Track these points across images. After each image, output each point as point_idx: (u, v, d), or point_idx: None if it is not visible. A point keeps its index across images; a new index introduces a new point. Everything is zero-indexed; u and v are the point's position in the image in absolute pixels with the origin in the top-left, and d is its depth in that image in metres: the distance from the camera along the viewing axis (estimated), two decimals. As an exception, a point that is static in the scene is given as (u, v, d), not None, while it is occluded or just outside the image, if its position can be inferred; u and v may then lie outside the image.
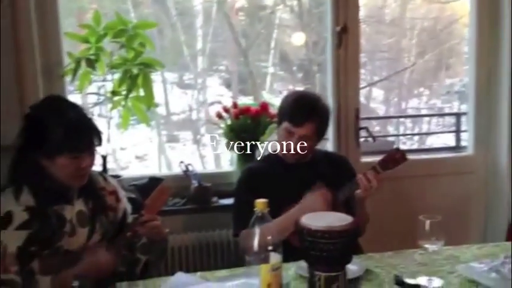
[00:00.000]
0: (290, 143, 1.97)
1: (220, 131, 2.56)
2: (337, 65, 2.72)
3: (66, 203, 1.64)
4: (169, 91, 4.04)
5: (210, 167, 3.66)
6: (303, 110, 1.97)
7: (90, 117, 1.68)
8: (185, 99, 4.07)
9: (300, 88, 3.73)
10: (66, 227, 1.62)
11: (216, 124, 2.58)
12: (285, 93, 2.51)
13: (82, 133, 1.60)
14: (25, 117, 1.65)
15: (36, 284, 1.52)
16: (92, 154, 1.65)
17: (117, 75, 2.26)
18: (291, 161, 2.03)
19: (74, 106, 1.66)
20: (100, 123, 1.73)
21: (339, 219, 1.41)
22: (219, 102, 3.56)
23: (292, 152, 1.98)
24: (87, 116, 1.67)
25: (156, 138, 3.91)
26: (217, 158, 3.69)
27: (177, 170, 2.60)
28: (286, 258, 1.34)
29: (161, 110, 3.80)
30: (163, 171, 2.67)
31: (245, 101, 3.25)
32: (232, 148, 2.49)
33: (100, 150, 1.84)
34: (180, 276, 1.62)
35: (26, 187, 1.58)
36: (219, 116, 2.51)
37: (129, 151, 3.86)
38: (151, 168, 3.93)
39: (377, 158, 1.98)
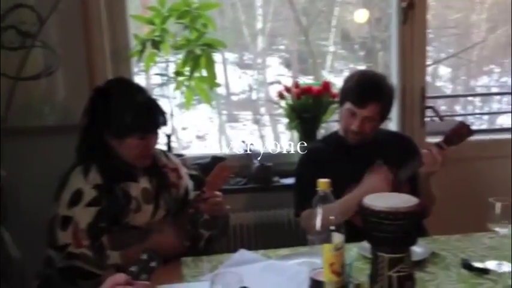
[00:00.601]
0: (352, 124, 1.94)
1: (281, 111, 2.56)
2: (402, 42, 2.63)
3: (132, 180, 1.71)
4: (229, 71, 4.07)
5: (270, 147, 3.68)
6: (367, 90, 1.92)
7: (154, 99, 1.73)
8: (245, 79, 4.08)
9: (361, 67, 3.64)
10: (132, 203, 1.69)
11: (276, 104, 2.58)
12: (346, 72, 2.47)
13: (150, 115, 1.66)
14: (91, 98, 1.72)
15: (106, 258, 1.59)
16: (157, 135, 1.71)
17: (180, 56, 2.31)
18: (352, 142, 2.00)
19: (140, 88, 1.72)
20: (163, 104, 1.79)
21: (403, 200, 1.38)
22: (279, 82, 3.55)
23: (354, 132, 1.95)
24: (152, 97, 1.73)
25: (216, 118, 3.96)
26: (277, 137, 3.70)
27: (238, 149, 2.63)
28: (348, 239, 1.33)
29: (221, 90, 3.84)
30: (224, 151, 2.71)
31: (305, 80, 3.22)
32: (293, 128, 2.49)
33: (164, 130, 1.90)
34: (243, 254, 1.66)
35: (94, 166, 1.66)
36: (281, 95, 2.51)
37: (190, 131, 3.94)
38: (211, 147, 4.00)
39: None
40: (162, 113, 1.71)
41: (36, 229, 1.78)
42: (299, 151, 2.37)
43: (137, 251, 1.20)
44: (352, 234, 1.44)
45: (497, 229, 1.49)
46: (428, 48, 2.93)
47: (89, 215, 1.60)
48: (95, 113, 1.69)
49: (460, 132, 1.84)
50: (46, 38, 2.22)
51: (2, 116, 2.09)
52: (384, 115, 1.99)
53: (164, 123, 1.72)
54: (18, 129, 2.26)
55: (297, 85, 2.50)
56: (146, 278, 1.16)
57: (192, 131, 3.92)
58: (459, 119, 3.40)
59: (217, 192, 1.71)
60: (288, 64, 4.31)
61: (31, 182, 2.21)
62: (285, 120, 2.57)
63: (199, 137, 4.16)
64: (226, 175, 1.76)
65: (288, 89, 2.49)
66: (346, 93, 1.98)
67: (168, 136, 2.38)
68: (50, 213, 1.63)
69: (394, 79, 2.65)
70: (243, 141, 2.59)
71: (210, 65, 2.27)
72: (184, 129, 3.79)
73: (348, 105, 1.94)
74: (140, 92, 1.70)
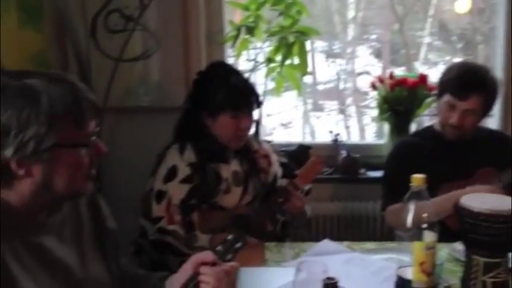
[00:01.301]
0: (451, 118, 1.85)
1: (368, 102, 2.50)
2: (509, 34, 2.45)
3: (223, 162, 1.76)
4: (317, 60, 4.03)
5: (354, 138, 3.62)
6: (468, 81, 1.82)
7: (250, 81, 1.78)
8: (333, 68, 4.02)
9: (459, 60, 3.44)
10: (222, 184, 1.74)
11: (365, 94, 2.52)
12: (440, 65, 2.35)
13: (243, 93, 1.71)
14: (193, 82, 1.81)
15: (195, 239, 1.66)
16: (250, 116, 1.74)
17: (273, 43, 2.31)
18: (450, 138, 1.90)
19: (236, 71, 1.78)
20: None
21: (504, 203, 1.30)
22: (368, 73, 3.47)
23: (453, 127, 1.86)
24: (248, 79, 1.77)
25: (301, 106, 3.95)
26: (362, 129, 3.62)
27: (322, 138, 2.61)
28: (439, 239, 1.28)
29: (307, 79, 3.82)
30: (307, 140, 2.70)
31: (396, 71, 3.11)
32: (384, 120, 2.42)
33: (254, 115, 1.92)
34: (326, 244, 1.66)
35: (190, 145, 1.73)
36: (373, 86, 2.44)
37: (274, 118, 3.96)
38: (295, 135, 4.01)
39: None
40: (256, 94, 1.75)
41: (130, 201, 1.90)
42: (389, 144, 2.30)
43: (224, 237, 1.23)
44: (443, 235, 1.38)
45: None
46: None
47: (182, 191, 1.68)
48: (195, 94, 1.76)
49: None
50: (146, 22, 2.32)
51: (104, 95, 2.22)
52: (486, 109, 1.88)
53: (258, 104, 1.76)
54: (117, 109, 2.39)
55: (391, 76, 2.42)
56: (231, 258, 1.18)
57: (277, 118, 3.93)
58: None
59: (300, 194, 1.72)
60: (378, 54, 4.18)
61: (126, 157, 2.34)
62: (372, 112, 2.51)
63: (283, 125, 4.17)
64: (319, 169, 1.76)
65: (381, 80, 2.42)
66: (445, 85, 1.88)
67: (257, 122, 2.40)
68: (146, 186, 1.73)
69: (497, 73, 2.48)
70: (331, 131, 2.56)
71: (303, 52, 2.26)
72: (268, 116, 3.82)
73: (447, 97, 1.85)
74: (236, 73, 1.76)
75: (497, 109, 2.48)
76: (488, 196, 1.41)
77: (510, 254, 1.30)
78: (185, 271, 1.15)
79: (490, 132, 2.05)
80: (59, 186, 1.00)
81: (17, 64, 1.90)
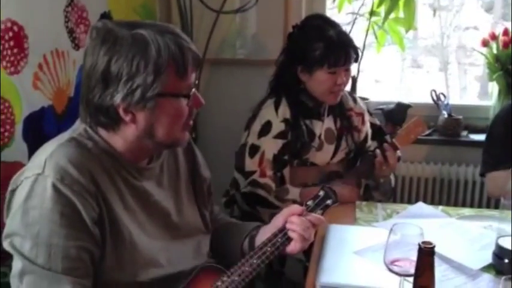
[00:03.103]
0: None
1: (472, 60, 2.32)
2: None
3: (317, 119, 1.75)
4: (420, 13, 3.79)
5: (455, 98, 3.41)
6: None
7: (348, 34, 1.71)
8: (437, 22, 3.76)
9: None
10: (315, 141, 1.73)
11: (473, 49, 2.34)
12: None
13: (341, 49, 1.65)
14: (288, 35, 1.77)
15: (286, 192, 1.68)
16: (347, 71, 1.69)
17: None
18: None
19: (333, 24, 1.71)
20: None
21: None
22: (476, 28, 3.20)
23: None
24: (346, 32, 1.70)
25: (399, 62, 3.76)
26: (464, 89, 3.39)
27: (420, 97, 2.48)
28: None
29: (408, 34, 3.62)
30: (404, 98, 2.57)
31: (508, 27, 2.85)
32: (494, 80, 2.24)
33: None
34: (420, 206, 1.61)
35: (285, 100, 1.72)
36: (484, 43, 2.26)
37: (370, 74, 3.83)
38: (391, 93, 3.85)
39: None
40: (354, 48, 1.68)
41: (223, 153, 1.97)
42: (497, 106, 2.15)
43: (315, 191, 1.23)
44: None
45: None
46: None
47: (275, 146, 1.68)
48: (290, 49, 1.74)
49: None
50: (247, -25, 2.31)
51: (204, 47, 2.26)
52: None
53: (356, 59, 1.70)
54: (214, 60, 2.44)
55: (506, 32, 2.22)
56: (320, 213, 1.20)
57: (373, 75, 3.81)
58: None
59: (395, 156, 1.65)
60: (488, 8, 3.84)
61: (221, 109, 2.41)
62: (476, 71, 2.33)
63: (377, 81, 4.02)
64: (419, 131, 1.68)
65: (494, 36, 2.23)
66: None
67: (354, 78, 2.34)
68: (241, 139, 1.76)
69: None
70: (433, 90, 2.42)
71: (409, 5, 2.13)
72: (364, 72, 3.71)
73: None
74: (334, 26, 1.69)
75: None
76: None
77: None
78: (276, 222, 1.18)
79: None
80: (159, 134, 1.04)
81: (124, 15, 2.00)
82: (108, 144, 1.05)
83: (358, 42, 2.31)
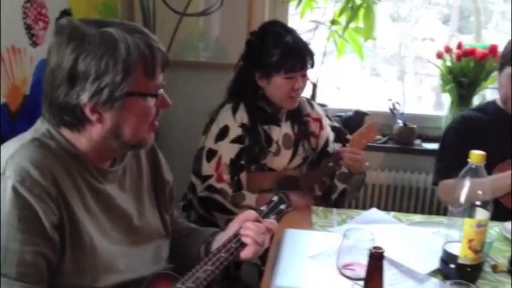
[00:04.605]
0: None
1: (429, 71, 2.41)
2: None
3: (275, 124, 1.77)
4: (380, 23, 3.88)
5: (411, 107, 3.52)
6: None
7: (304, 40, 1.74)
8: (396, 32, 3.87)
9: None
10: (272, 146, 1.75)
11: (428, 61, 2.43)
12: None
13: (297, 54, 1.68)
14: (247, 42, 1.79)
15: (242, 198, 1.69)
16: (304, 76, 1.72)
17: (338, 4, 2.26)
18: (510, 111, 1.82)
19: (290, 30, 1.74)
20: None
21: None
22: (432, 40, 3.32)
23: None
24: (302, 39, 1.73)
25: (358, 71, 3.85)
26: (420, 99, 3.51)
27: (379, 105, 2.55)
28: (491, 216, 1.26)
29: (368, 42, 3.71)
30: (363, 105, 2.65)
31: (463, 39, 2.96)
32: (446, 91, 2.33)
33: (310, 78, 1.90)
34: (374, 212, 1.65)
35: (243, 105, 1.73)
36: (439, 55, 2.35)
37: (329, 81, 3.89)
38: (351, 100, 3.93)
39: None
40: (310, 54, 1.71)
41: (183, 156, 1.96)
42: (449, 117, 2.23)
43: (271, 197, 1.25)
44: (496, 213, 1.35)
45: None
46: None
47: (232, 150, 1.70)
48: (249, 55, 1.75)
49: None
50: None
51: (166, 49, 2.25)
52: None
53: (312, 65, 1.73)
54: (176, 62, 2.42)
55: (459, 46, 2.31)
56: (274, 219, 1.21)
57: (333, 82, 3.87)
58: None
59: (359, 150, 1.70)
60: (445, 20, 3.98)
61: (182, 111, 2.40)
62: (432, 81, 2.42)
63: (338, 88, 4.09)
64: (372, 136, 1.73)
65: (448, 49, 2.32)
66: (506, 57, 1.78)
67: (314, 85, 2.39)
68: (199, 143, 1.76)
69: None
70: (389, 99, 2.50)
71: (369, 16, 2.19)
72: (325, 79, 3.77)
73: (508, 69, 1.76)
74: (290, 33, 1.72)
75: None
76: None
77: None
78: (231, 228, 1.19)
79: None
80: (126, 134, 1.03)
81: (84, 13, 1.96)
82: (71, 145, 1.03)
83: (319, 49, 2.37)
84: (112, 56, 0.96)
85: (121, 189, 1.13)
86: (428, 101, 3.15)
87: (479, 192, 1.21)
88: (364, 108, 2.52)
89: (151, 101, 1.04)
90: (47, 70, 1.01)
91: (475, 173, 1.22)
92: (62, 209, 0.98)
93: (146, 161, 1.22)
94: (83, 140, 1.03)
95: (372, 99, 3.35)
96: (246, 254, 1.16)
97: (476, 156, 1.22)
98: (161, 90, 1.07)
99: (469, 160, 1.23)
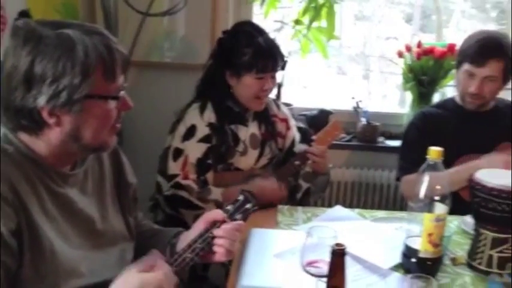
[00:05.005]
0: (470, 86, 1.81)
1: (393, 69, 2.46)
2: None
3: (242, 124, 1.78)
4: (345, 22, 3.93)
5: (376, 105, 3.58)
6: (486, 47, 1.79)
7: (276, 41, 1.75)
8: (361, 31, 3.93)
9: (491, 28, 3.33)
10: (240, 146, 1.76)
11: (390, 61, 2.48)
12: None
13: (269, 55, 1.70)
14: (218, 40, 1.79)
15: (208, 192, 1.69)
16: (274, 77, 1.74)
17: (302, 4, 2.28)
18: (470, 108, 1.88)
19: (262, 31, 1.75)
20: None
21: (519, 180, 1.31)
22: (396, 38, 3.38)
23: (472, 96, 1.83)
24: (274, 40, 1.74)
25: (325, 69, 3.89)
26: (385, 97, 3.57)
27: (344, 103, 2.59)
28: (451, 209, 1.29)
29: (333, 42, 3.76)
30: (330, 104, 2.68)
31: (425, 38, 3.03)
32: (408, 89, 2.39)
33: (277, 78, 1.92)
34: (338, 209, 1.67)
35: (210, 105, 1.73)
36: (400, 54, 2.40)
37: (296, 80, 3.92)
38: (317, 99, 3.97)
39: None
40: (281, 55, 1.73)
41: (150, 157, 1.94)
42: (411, 114, 2.28)
43: (238, 191, 1.25)
44: (456, 206, 1.39)
45: None
46: None
47: (199, 150, 1.70)
48: (219, 53, 1.76)
49: None
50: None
51: (129, 49, 2.23)
52: (506, 76, 1.83)
53: (282, 66, 1.75)
54: (141, 63, 2.41)
55: (419, 45, 2.37)
56: (241, 218, 1.21)
57: (299, 81, 3.90)
58: None
59: (324, 149, 1.72)
60: (408, 19, 4.07)
61: (148, 113, 2.38)
62: (396, 80, 2.47)
63: (305, 87, 4.13)
64: (336, 133, 1.76)
65: (408, 48, 2.37)
66: (463, 54, 1.84)
67: (279, 85, 2.40)
68: (165, 143, 1.75)
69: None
70: (353, 98, 2.54)
71: (331, 16, 2.22)
72: (291, 78, 3.79)
73: (465, 66, 1.82)
74: (262, 33, 1.73)
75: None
76: (504, 172, 1.41)
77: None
78: (197, 227, 1.19)
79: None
80: (86, 138, 1.02)
81: (43, 14, 1.92)
82: (29, 150, 1.01)
83: (284, 48, 2.38)
84: (69, 58, 0.95)
85: (82, 193, 1.11)
86: (393, 98, 3.21)
87: (438, 187, 1.24)
88: (329, 106, 2.55)
89: (111, 104, 1.03)
90: (2, 73, 0.98)
91: (433, 168, 1.25)
92: (20, 214, 0.96)
93: (109, 163, 1.21)
94: (41, 144, 1.01)
95: (338, 98, 3.40)
96: (217, 259, 1.17)
97: (434, 152, 1.26)
98: (122, 92, 1.05)
99: (427, 156, 1.26)
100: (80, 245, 1.08)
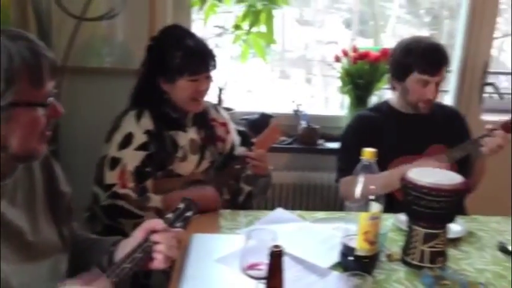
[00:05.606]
0: (427, 94, 1.89)
1: (334, 73, 2.53)
2: (471, 11, 2.51)
3: (181, 130, 1.76)
4: (287, 27, 4.00)
5: (319, 108, 3.66)
6: (437, 57, 1.87)
7: (206, 42, 1.75)
8: (302, 36, 4.01)
9: (425, 33, 3.49)
10: (179, 152, 1.74)
11: (330, 65, 2.55)
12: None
13: (199, 56, 1.69)
14: (147, 47, 1.76)
15: (147, 200, 1.65)
16: (208, 78, 1.73)
17: (241, 9, 2.30)
18: (425, 111, 1.94)
19: (190, 33, 1.75)
20: (217, 55, 1.78)
21: (448, 178, 1.38)
22: (336, 43, 3.48)
23: (429, 101, 1.91)
24: (203, 40, 1.74)
25: (268, 73, 3.94)
26: (327, 100, 3.66)
27: (287, 107, 2.63)
28: (387, 209, 1.34)
29: (276, 46, 3.81)
30: (272, 108, 2.72)
31: (364, 43, 3.14)
32: (345, 93, 2.45)
33: (216, 81, 1.92)
34: (279, 212, 1.69)
35: (147, 112, 1.71)
36: (337, 58, 2.47)
37: (240, 84, 3.95)
38: (260, 103, 4.01)
39: (500, 117, 1.85)
40: (212, 56, 1.73)
41: (88, 166, 1.89)
42: (349, 116, 2.35)
43: (177, 197, 1.24)
44: (391, 205, 1.45)
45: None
46: (499, 19, 2.77)
47: (137, 158, 1.66)
48: (150, 60, 1.73)
49: None
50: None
51: (64, 54, 2.16)
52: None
53: (214, 66, 1.74)
54: (78, 69, 2.34)
55: (355, 49, 2.44)
56: (181, 226, 1.20)
57: (243, 85, 3.93)
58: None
59: (264, 152, 1.74)
60: (348, 24, 4.19)
61: (86, 120, 2.32)
62: (338, 83, 2.54)
63: (249, 91, 4.17)
64: (276, 136, 1.78)
65: (345, 53, 2.44)
66: (411, 65, 1.88)
67: (220, 89, 2.41)
68: (101, 152, 1.70)
69: (457, 50, 2.55)
70: (293, 101, 2.58)
71: (270, 21, 2.26)
72: (235, 82, 3.81)
73: (416, 76, 1.87)
74: (191, 36, 1.72)
75: (452, 85, 2.55)
76: (435, 171, 1.48)
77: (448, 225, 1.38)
78: (136, 237, 1.17)
79: (441, 106, 2.10)
80: (13, 147, 0.98)
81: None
82: None
83: (227, 53, 2.40)
84: None
85: (12, 205, 1.07)
86: (335, 102, 3.30)
87: (372, 187, 1.29)
88: (272, 110, 2.58)
89: (40, 111, 1.00)
90: None
91: (368, 169, 1.30)
92: None
93: (40, 172, 1.17)
94: None
95: (281, 102, 3.45)
96: (156, 266, 1.15)
97: (368, 153, 1.30)
98: (51, 99, 1.02)
99: (361, 157, 1.30)
100: (10, 258, 1.03)
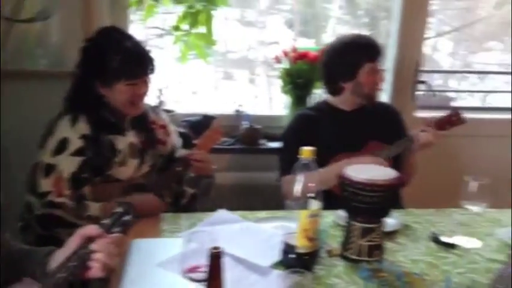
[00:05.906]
0: (378, 81, 1.98)
1: (277, 74, 2.55)
2: (404, 12, 2.61)
3: (119, 133, 1.72)
4: (229, 28, 4.01)
5: (263, 109, 3.68)
6: (376, 43, 1.98)
7: (144, 45, 1.71)
8: (244, 37, 4.02)
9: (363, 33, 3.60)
10: (118, 156, 1.70)
11: (270, 66, 2.57)
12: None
13: (137, 60, 1.65)
14: (83, 49, 1.70)
15: (86, 208, 1.60)
16: (146, 82, 1.70)
17: (180, 10, 2.28)
18: (377, 98, 2.02)
19: (128, 36, 1.71)
20: (158, 56, 1.77)
21: (383, 173, 1.42)
22: (278, 43, 3.52)
23: (378, 87, 2.00)
24: (142, 44, 1.71)
25: (211, 74, 3.93)
26: (271, 100, 3.69)
27: (230, 108, 2.63)
28: (327, 206, 1.37)
29: (219, 47, 3.81)
30: (216, 109, 2.71)
31: (306, 43, 3.19)
32: (286, 92, 2.49)
33: (156, 83, 1.89)
34: (221, 213, 1.69)
35: (83, 116, 1.66)
36: (277, 59, 2.49)
37: (183, 86, 3.92)
38: (204, 104, 3.99)
39: (433, 113, 1.94)
40: (150, 59, 1.69)
41: (23, 173, 1.81)
42: (290, 116, 2.38)
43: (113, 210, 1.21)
44: (331, 202, 1.48)
45: (469, 207, 1.54)
46: (432, 20, 2.90)
47: (73, 164, 1.61)
48: (85, 62, 1.68)
49: (452, 120, 1.90)
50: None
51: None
52: None
53: (152, 70, 1.71)
54: (11, 72, 2.24)
55: (294, 49, 2.48)
56: (120, 231, 1.16)
57: (186, 86, 3.90)
58: (453, 95, 3.39)
59: (206, 153, 1.73)
60: (290, 25, 4.24)
61: (21, 125, 2.22)
62: (280, 83, 2.57)
63: (192, 93, 4.14)
64: (217, 138, 1.78)
65: (286, 53, 2.47)
66: (360, 58, 1.95)
67: (160, 90, 2.38)
68: (34, 159, 1.64)
69: (392, 49, 2.64)
70: (234, 102, 2.59)
71: (209, 21, 2.25)
72: (177, 83, 3.78)
73: (368, 66, 1.95)
74: (129, 39, 1.68)
75: (388, 83, 2.64)
76: (371, 167, 1.53)
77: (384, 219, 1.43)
78: (71, 245, 1.13)
79: (379, 104, 2.16)
80: None
81: None
82: None
83: (167, 55, 2.37)
84: None
85: None
86: (279, 102, 3.33)
87: (311, 185, 1.31)
88: (216, 111, 2.57)
89: None
90: None
91: (307, 167, 1.32)
92: None
93: None
94: None
95: (225, 103, 3.45)
96: (93, 274, 1.11)
97: (306, 151, 1.33)
98: None
99: (300, 156, 1.32)
100: None
